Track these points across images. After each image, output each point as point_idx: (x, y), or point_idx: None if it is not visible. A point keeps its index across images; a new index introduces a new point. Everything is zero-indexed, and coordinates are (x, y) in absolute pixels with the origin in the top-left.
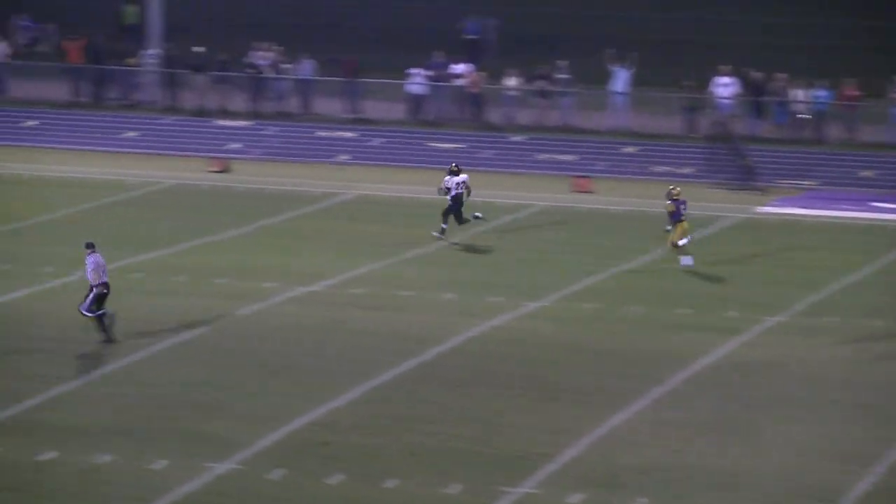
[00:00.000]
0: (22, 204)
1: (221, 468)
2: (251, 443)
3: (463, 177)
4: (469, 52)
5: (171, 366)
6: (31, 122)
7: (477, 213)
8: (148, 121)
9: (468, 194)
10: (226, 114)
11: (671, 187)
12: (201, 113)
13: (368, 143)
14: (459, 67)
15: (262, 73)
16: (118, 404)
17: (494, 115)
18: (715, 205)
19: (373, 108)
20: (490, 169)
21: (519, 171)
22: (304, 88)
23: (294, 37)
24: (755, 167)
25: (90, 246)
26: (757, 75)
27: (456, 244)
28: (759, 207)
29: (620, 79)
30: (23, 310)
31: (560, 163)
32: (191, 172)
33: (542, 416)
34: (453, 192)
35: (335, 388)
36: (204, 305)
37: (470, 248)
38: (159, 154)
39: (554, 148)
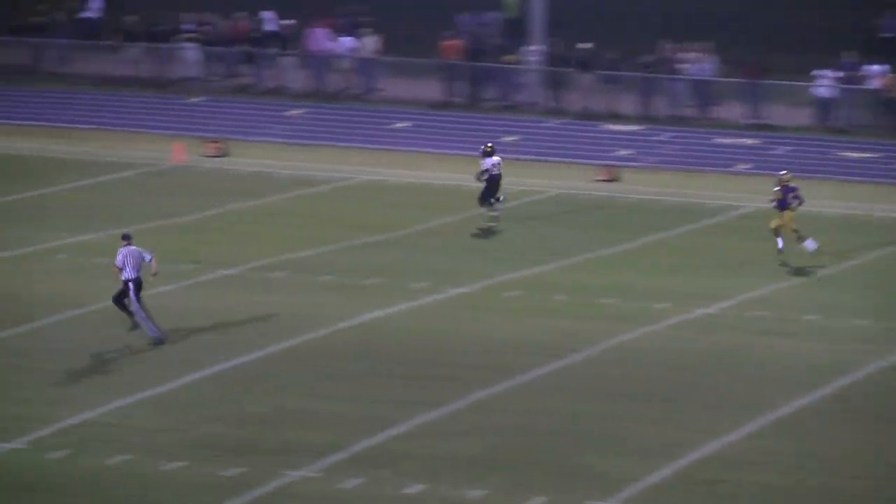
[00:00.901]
0: (391, 212)
1: None
2: (637, 478)
3: (497, 158)
4: (885, 52)
5: (548, 393)
6: (401, 124)
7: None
8: (529, 124)
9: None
10: (615, 117)
11: (782, 172)
12: (587, 116)
13: (771, 152)
14: (874, 69)
15: (653, 71)
16: (490, 434)
17: None
18: None
19: (776, 114)
20: None
21: None
22: (703, 91)
23: (691, 34)
24: None
25: (126, 238)
26: None
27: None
28: None
29: None
30: (393, 328)
31: None
32: (575, 181)
33: None
34: (493, 173)
35: (731, 420)
36: (586, 328)
37: (878, 268)
38: (540, 160)
39: None
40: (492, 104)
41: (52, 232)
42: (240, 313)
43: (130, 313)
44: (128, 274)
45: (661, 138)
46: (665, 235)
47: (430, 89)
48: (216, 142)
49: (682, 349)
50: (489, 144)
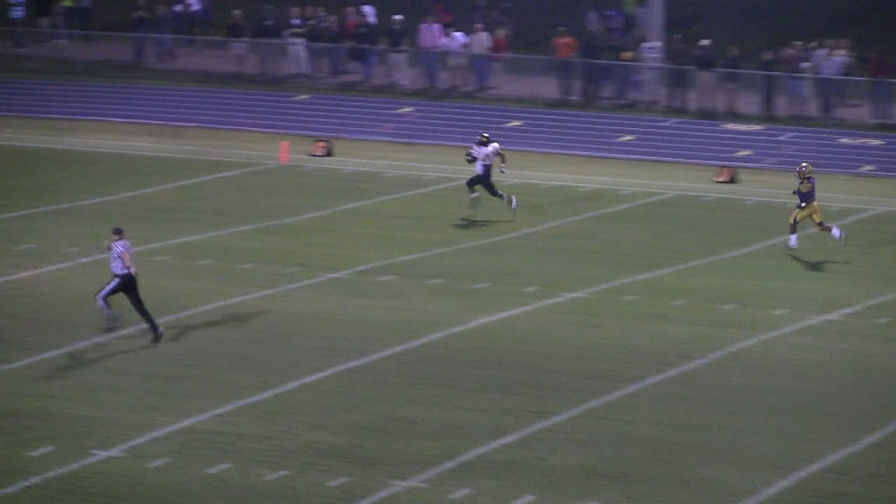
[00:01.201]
0: (503, 214)
1: None
2: (755, 491)
3: (493, 146)
4: None
5: (665, 401)
6: (515, 123)
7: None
8: (647, 123)
9: (503, 161)
10: (735, 116)
11: (803, 165)
12: (707, 115)
13: None
14: None
15: (775, 69)
16: (603, 444)
17: None
18: None
19: None
20: None
21: None
22: (827, 89)
23: (818, 31)
24: None
25: (118, 232)
26: None
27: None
28: None
29: None
30: (504, 334)
31: None
32: (694, 182)
33: None
34: (480, 163)
35: (854, 430)
36: (704, 334)
37: None
38: (659, 161)
39: None
40: (608, 103)
41: (152, 232)
42: (346, 318)
43: (144, 314)
44: (122, 269)
45: (783, 138)
46: (786, 239)
47: (545, 87)
48: (323, 141)
49: (803, 357)
50: (485, 134)
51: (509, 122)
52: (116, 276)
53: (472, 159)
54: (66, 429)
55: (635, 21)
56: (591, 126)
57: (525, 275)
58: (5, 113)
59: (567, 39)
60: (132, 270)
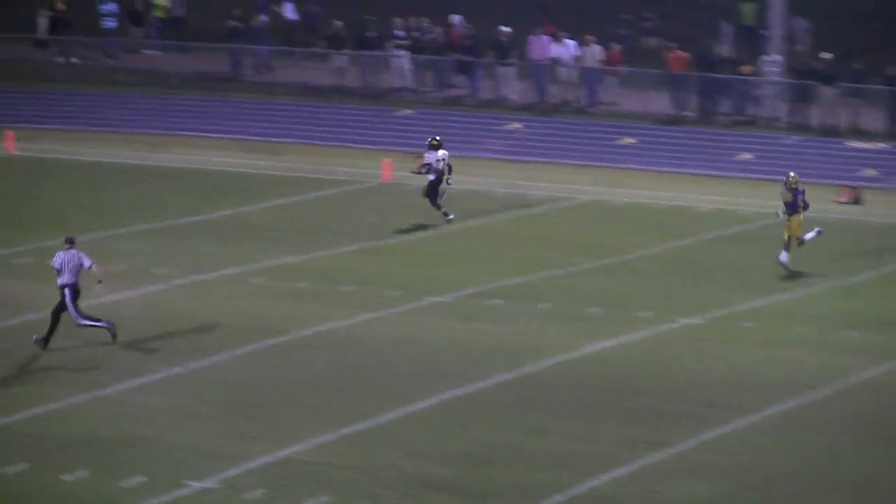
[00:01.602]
0: (615, 235)
1: None
2: None
3: (444, 152)
4: None
5: (786, 432)
6: (628, 140)
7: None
8: (767, 140)
9: (449, 172)
10: (859, 134)
11: (790, 174)
12: (830, 132)
13: None
14: None
15: None
16: (719, 477)
17: None
18: None
19: None
20: None
21: None
22: None
23: None
24: None
25: (69, 241)
26: None
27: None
28: None
29: None
30: (616, 361)
31: None
32: (815, 203)
33: None
34: (437, 168)
35: None
36: (828, 363)
37: None
38: (779, 180)
39: None
40: (726, 119)
41: (249, 252)
42: (450, 343)
43: (55, 327)
44: (64, 279)
45: None
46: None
47: (659, 103)
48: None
49: None
50: (436, 138)
51: (622, 139)
52: (65, 285)
53: (427, 167)
54: (159, 458)
55: (793, 34)
56: (707, 143)
57: (639, 299)
58: (97, 127)
59: (680, 53)
60: (67, 282)
